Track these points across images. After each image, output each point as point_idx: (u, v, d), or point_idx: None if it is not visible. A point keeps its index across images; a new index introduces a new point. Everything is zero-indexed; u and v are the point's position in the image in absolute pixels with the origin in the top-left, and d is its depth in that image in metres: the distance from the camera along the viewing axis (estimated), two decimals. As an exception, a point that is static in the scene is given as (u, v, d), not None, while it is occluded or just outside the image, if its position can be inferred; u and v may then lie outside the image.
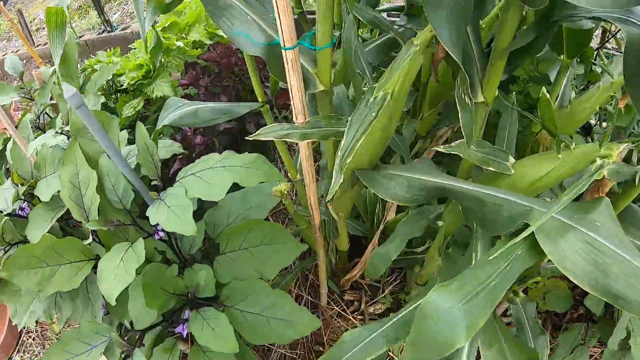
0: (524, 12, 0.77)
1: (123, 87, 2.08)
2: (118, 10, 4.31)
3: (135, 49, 2.30)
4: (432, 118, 1.67)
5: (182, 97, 2.00)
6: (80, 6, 4.56)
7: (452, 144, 0.86)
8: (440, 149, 0.84)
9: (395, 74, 0.73)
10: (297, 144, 2.37)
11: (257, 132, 0.79)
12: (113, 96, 2.34)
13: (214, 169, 0.96)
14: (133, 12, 4.18)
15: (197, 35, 2.19)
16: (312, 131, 0.81)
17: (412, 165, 0.94)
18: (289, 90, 0.85)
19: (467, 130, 0.76)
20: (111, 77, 2.26)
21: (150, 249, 1.30)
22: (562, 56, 1.33)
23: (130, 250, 1.15)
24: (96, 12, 3.80)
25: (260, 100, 1.15)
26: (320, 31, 0.80)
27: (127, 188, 1.15)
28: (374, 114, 0.72)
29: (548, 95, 0.77)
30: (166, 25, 2.14)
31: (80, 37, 3.80)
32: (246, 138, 0.79)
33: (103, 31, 3.78)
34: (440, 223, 1.21)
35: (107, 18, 3.66)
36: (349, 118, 0.74)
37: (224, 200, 1.35)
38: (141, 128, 1.03)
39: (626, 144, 0.77)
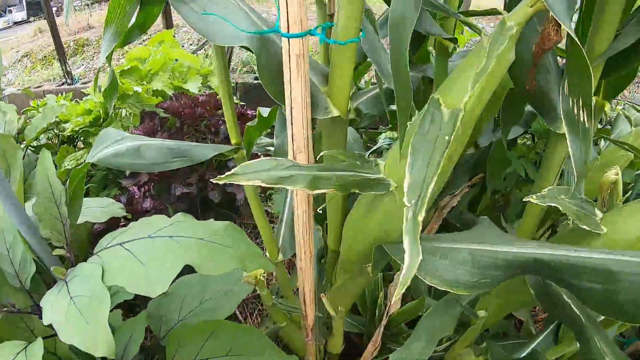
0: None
1: (66, 133, 1.71)
2: (82, 64, 4.11)
3: (88, 95, 1.97)
4: (440, 183, 1.39)
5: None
6: (45, 56, 4.46)
7: (543, 192, 0.58)
8: (533, 199, 0.55)
9: (471, 78, 0.43)
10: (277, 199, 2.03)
11: (232, 172, 0.46)
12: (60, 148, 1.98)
13: (155, 239, 0.60)
14: (97, 68, 4.02)
15: (159, 84, 1.87)
16: (328, 175, 0.48)
17: (473, 232, 0.63)
18: (287, 111, 0.53)
19: (579, 164, 0.51)
20: (57, 124, 1.91)
21: (63, 349, 0.90)
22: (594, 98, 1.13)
23: (22, 355, 0.75)
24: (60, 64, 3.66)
25: (234, 142, 0.82)
26: (343, 16, 0.49)
27: (25, 256, 0.77)
28: (447, 137, 0.41)
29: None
30: (125, 68, 1.83)
31: (38, 86, 3.68)
32: (212, 181, 0.45)
33: (63, 83, 3.63)
34: (482, 313, 0.88)
35: (68, 70, 3.46)
36: (412, 140, 0.41)
37: (176, 284, 0.98)
38: (46, 158, 0.67)
39: None
